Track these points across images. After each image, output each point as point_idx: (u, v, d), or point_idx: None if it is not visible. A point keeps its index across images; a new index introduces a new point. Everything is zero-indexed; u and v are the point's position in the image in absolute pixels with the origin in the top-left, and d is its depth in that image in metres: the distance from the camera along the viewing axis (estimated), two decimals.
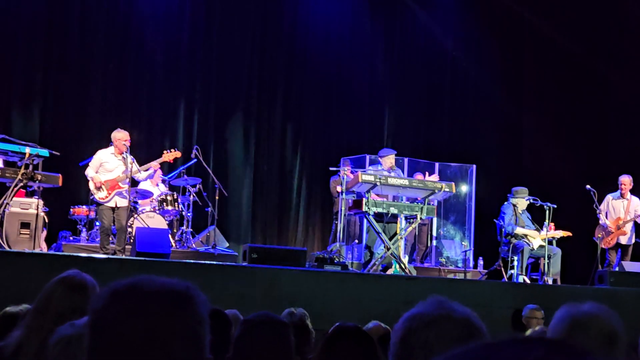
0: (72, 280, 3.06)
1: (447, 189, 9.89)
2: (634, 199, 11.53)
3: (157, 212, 10.90)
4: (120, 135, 9.81)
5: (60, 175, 9.53)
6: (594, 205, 11.35)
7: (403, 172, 12.50)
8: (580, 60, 15.29)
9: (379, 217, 9.81)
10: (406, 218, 10.00)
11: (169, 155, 10.46)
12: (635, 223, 11.48)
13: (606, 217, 11.43)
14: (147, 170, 10.13)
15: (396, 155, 11.39)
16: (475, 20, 15.93)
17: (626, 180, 11.46)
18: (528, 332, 6.52)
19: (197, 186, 11.80)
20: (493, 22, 15.85)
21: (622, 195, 11.52)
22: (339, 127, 14.93)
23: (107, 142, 9.94)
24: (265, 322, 2.97)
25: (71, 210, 11.04)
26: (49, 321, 2.86)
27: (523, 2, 15.83)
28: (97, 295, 1.49)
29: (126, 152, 9.78)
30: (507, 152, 15.81)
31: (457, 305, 1.70)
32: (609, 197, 11.60)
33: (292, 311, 4.98)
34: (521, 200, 10.81)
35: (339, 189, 10.85)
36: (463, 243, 13.55)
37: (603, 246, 11.42)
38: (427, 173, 12.92)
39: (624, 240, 11.46)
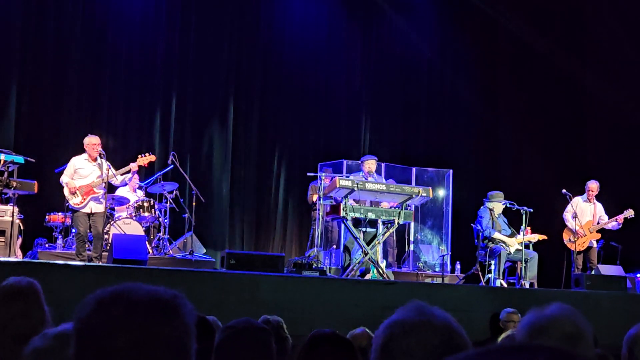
0: (8, 289, 2.94)
1: (424, 194, 9.89)
2: (598, 204, 11.67)
3: (134, 218, 10.84)
4: (90, 141, 9.75)
5: (35, 182, 9.47)
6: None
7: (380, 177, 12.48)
8: (556, 66, 15.40)
9: (356, 223, 9.82)
10: (384, 223, 10.00)
11: (144, 159, 10.39)
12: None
13: (573, 219, 11.46)
14: (123, 174, 10.07)
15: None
16: (452, 27, 16.01)
17: (594, 187, 11.57)
18: (504, 334, 6.54)
19: (174, 192, 11.74)
20: (469, 29, 15.93)
21: (588, 200, 11.63)
22: (316, 133, 14.91)
23: (82, 149, 9.87)
24: (247, 329, 2.93)
25: (47, 217, 10.94)
26: None
27: (499, 9, 15.92)
28: (82, 302, 1.46)
29: (102, 157, 9.72)
30: (484, 156, 15.88)
31: (437, 310, 1.69)
32: (578, 199, 11.67)
33: (268, 319, 4.96)
34: (497, 204, 10.87)
35: (314, 197, 10.79)
36: (440, 247, 13.58)
37: (576, 249, 11.47)
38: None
39: (596, 243, 11.59)
